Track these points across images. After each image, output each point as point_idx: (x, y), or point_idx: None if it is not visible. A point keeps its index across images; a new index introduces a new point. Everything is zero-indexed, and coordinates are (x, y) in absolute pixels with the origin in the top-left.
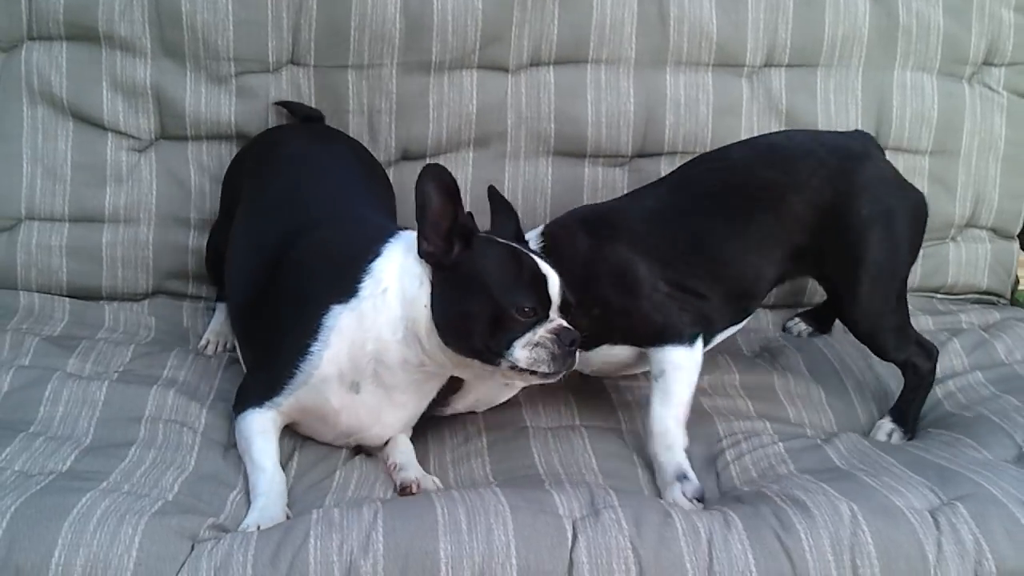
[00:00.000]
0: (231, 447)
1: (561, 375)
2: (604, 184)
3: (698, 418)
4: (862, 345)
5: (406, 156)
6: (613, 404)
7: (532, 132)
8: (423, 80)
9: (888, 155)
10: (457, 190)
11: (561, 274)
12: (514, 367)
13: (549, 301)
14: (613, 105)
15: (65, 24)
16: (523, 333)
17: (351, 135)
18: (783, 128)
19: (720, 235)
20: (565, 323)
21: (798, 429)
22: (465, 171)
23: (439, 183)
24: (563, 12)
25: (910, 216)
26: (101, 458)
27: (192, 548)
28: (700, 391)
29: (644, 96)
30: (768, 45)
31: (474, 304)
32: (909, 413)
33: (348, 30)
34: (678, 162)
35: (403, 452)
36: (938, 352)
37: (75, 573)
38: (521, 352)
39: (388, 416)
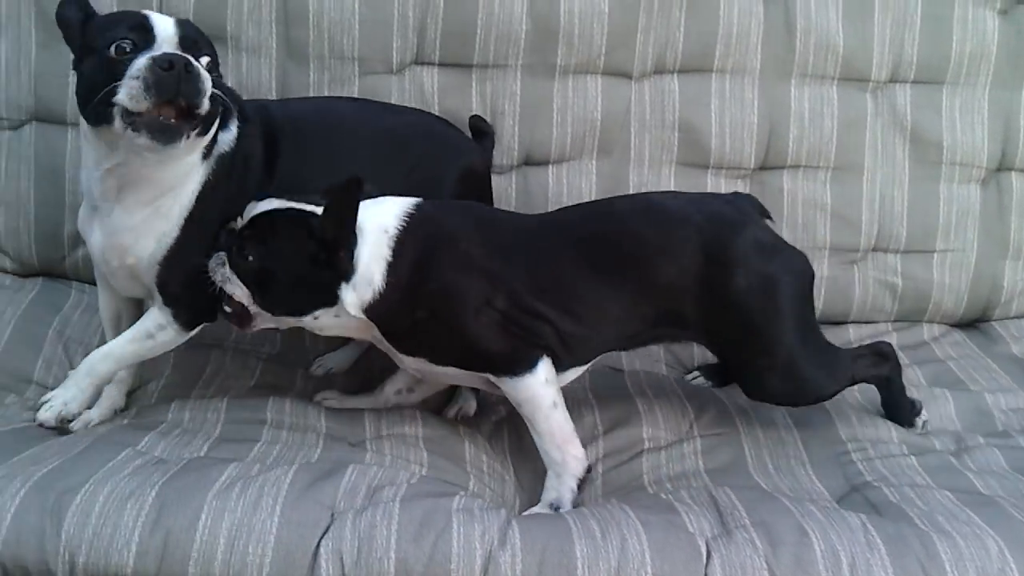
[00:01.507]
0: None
1: (169, 132)
2: None
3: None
4: None
5: (528, 161)
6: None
7: (656, 140)
8: (548, 84)
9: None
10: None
11: (401, 255)
12: (125, 121)
13: (152, 34)
14: (737, 116)
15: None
16: (122, 74)
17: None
18: (907, 144)
19: (583, 280)
20: (175, 50)
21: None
22: (589, 179)
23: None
24: (689, 20)
25: (793, 281)
26: (233, 445)
27: (332, 517)
28: None
29: (768, 108)
30: (894, 60)
31: (86, 67)
32: (900, 408)
33: (474, 30)
34: (801, 176)
35: None
36: (889, 345)
37: (220, 537)
38: (121, 93)
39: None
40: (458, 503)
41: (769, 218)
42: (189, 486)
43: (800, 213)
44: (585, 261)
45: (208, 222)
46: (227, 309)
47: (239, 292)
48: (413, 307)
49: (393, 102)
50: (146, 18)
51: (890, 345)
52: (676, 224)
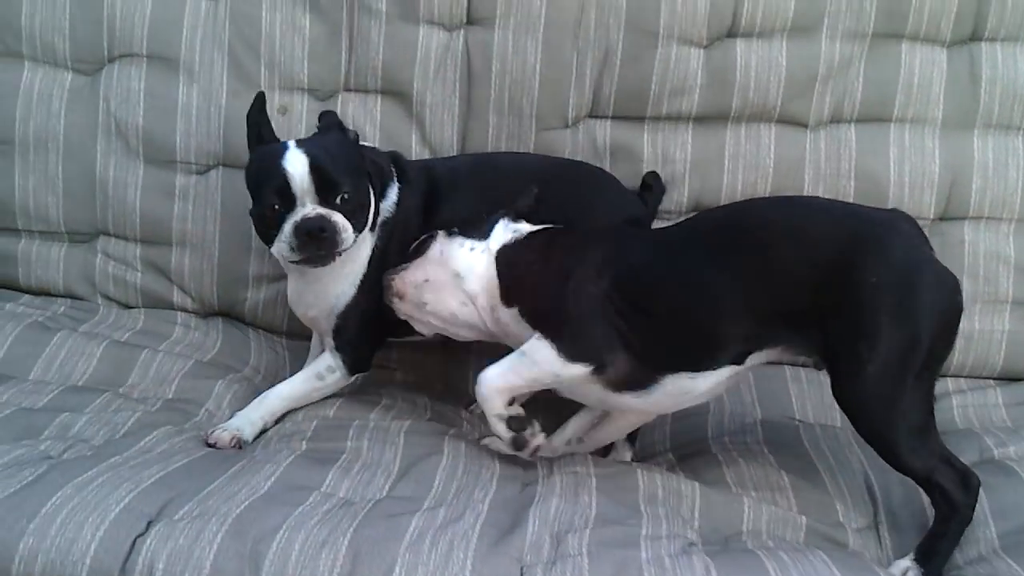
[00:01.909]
0: (528, 483)
1: (318, 262)
2: None
3: None
4: None
5: (698, 207)
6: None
7: (831, 188)
8: (720, 133)
9: None
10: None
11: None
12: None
13: (291, 195)
14: (917, 165)
15: (383, 79)
16: (278, 228)
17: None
18: None
19: (701, 269)
20: (312, 212)
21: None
22: None
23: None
24: (869, 70)
25: (937, 297)
26: (412, 484)
27: (522, 571)
28: None
29: (949, 157)
30: None
31: (254, 208)
32: (936, 554)
33: (650, 85)
34: (983, 228)
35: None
36: (979, 483)
37: None
38: (275, 247)
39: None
40: (647, 553)
41: (926, 245)
42: (381, 537)
43: (982, 265)
44: (708, 249)
45: (379, 281)
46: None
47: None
48: (532, 256)
49: (567, 154)
50: (286, 181)
51: (979, 481)
52: (813, 214)
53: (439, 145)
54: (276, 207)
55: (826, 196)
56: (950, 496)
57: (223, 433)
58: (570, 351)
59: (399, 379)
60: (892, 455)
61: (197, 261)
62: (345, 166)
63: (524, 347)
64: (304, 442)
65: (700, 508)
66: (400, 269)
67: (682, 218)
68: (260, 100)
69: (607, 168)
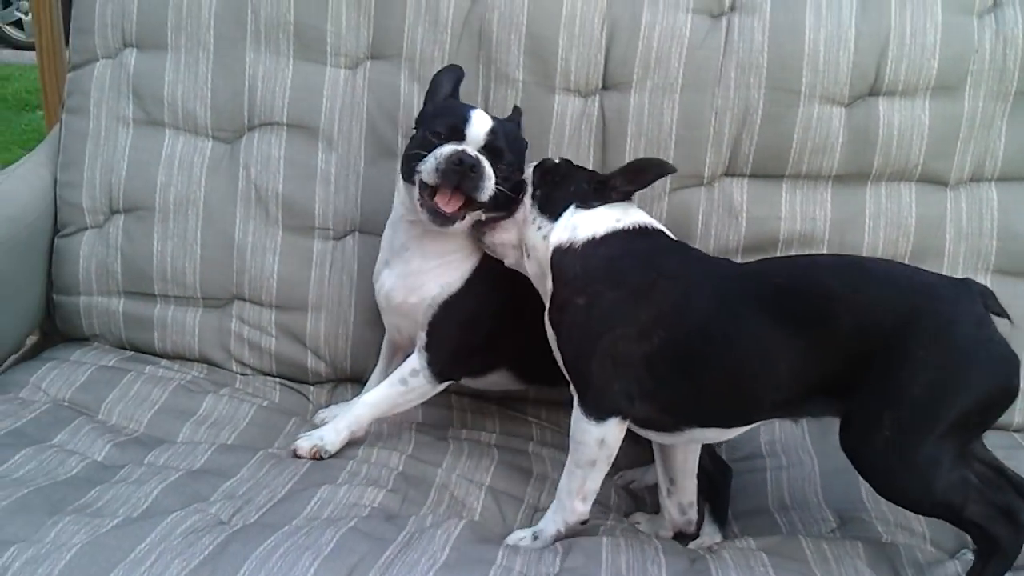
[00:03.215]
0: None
1: (447, 221)
2: None
3: None
4: None
5: None
6: None
7: (972, 248)
8: (860, 191)
9: None
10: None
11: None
12: (421, 192)
13: (462, 133)
14: None
15: None
16: (431, 151)
17: (782, 244)
18: None
19: (754, 332)
20: (474, 152)
21: None
22: None
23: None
24: (1010, 128)
25: (983, 380)
26: (581, 558)
27: None
28: None
29: None
30: None
31: (415, 134)
32: None
33: (790, 143)
34: None
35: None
36: None
37: None
38: (423, 164)
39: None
40: None
41: (1003, 315)
42: None
43: None
44: (765, 314)
45: (487, 282)
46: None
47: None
48: (577, 286)
49: (701, 212)
50: (466, 118)
51: None
52: (876, 283)
53: None
54: (442, 136)
55: (968, 256)
56: (987, 532)
57: (304, 442)
58: (598, 411)
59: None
60: (910, 504)
61: (332, 326)
62: (516, 147)
63: (571, 433)
64: (466, 519)
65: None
66: (490, 222)
67: None
68: (458, 72)
69: (743, 226)
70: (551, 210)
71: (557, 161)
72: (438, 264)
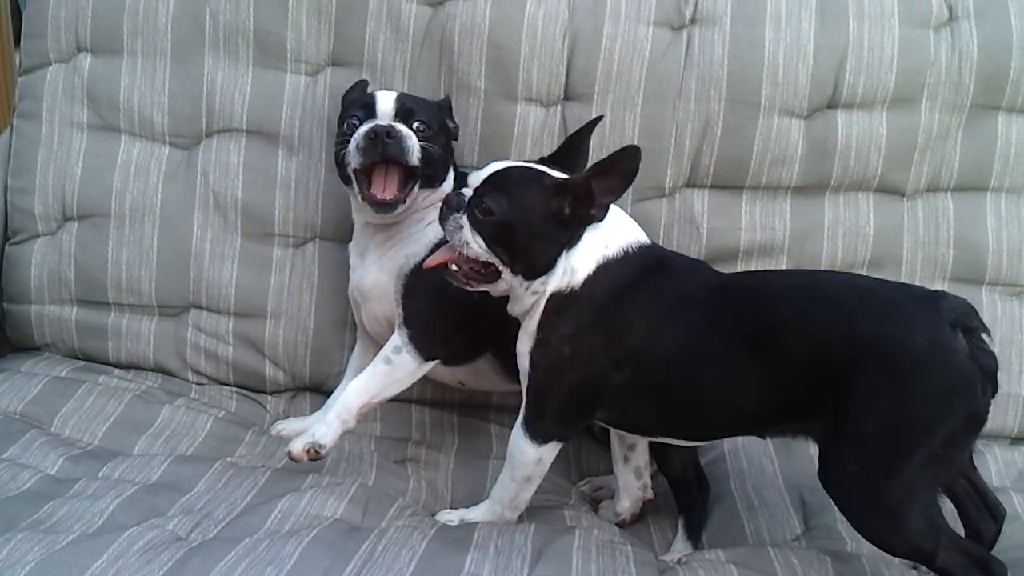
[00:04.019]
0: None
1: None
2: (1004, 313)
3: None
4: None
5: None
6: None
7: (929, 257)
8: (819, 202)
9: None
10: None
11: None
12: (359, 187)
13: (373, 109)
14: (1015, 234)
15: (479, 154)
16: (350, 139)
17: (742, 255)
18: None
19: (720, 359)
20: (385, 121)
21: None
22: None
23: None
24: (966, 140)
25: (949, 410)
26: (551, 565)
27: None
28: None
29: None
30: None
31: (336, 137)
32: None
33: (750, 155)
34: None
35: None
36: (1005, 571)
37: None
38: (349, 155)
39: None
40: None
41: (981, 329)
42: None
43: None
44: (725, 338)
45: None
46: (453, 268)
47: (476, 249)
48: (566, 335)
49: (662, 224)
50: (372, 98)
51: (1003, 567)
52: (823, 306)
53: None
54: (357, 121)
55: (925, 265)
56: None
57: (297, 443)
58: (543, 437)
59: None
60: (881, 544)
61: (291, 334)
62: (426, 108)
63: (510, 450)
64: (434, 526)
65: None
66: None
67: None
68: (364, 84)
69: (703, 237)
70: (539, 268)
71: (489, 212)
72: (398, 241)
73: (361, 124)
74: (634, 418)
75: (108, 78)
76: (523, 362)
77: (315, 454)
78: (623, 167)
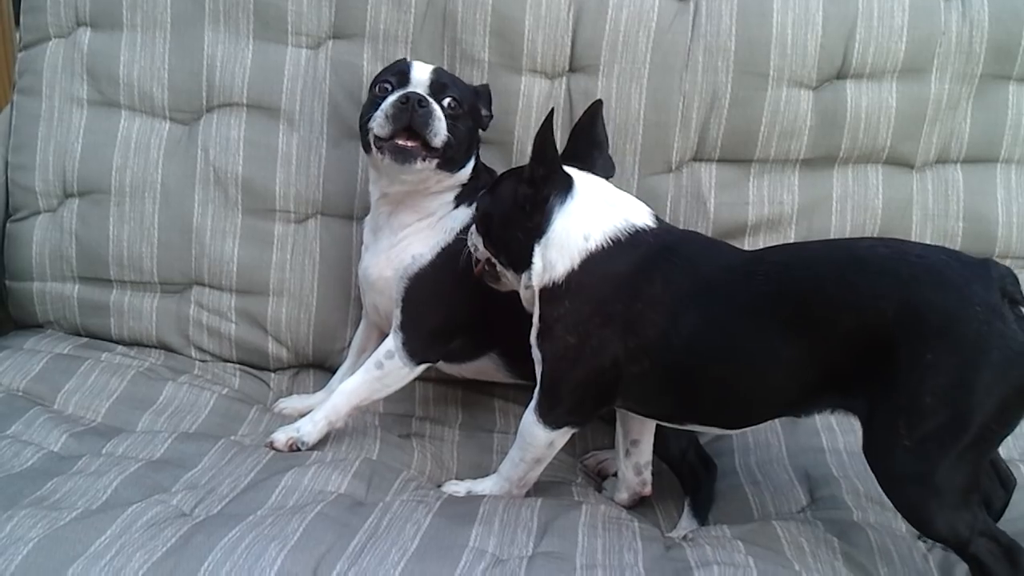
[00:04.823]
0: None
1: (407, 157)
2: None
3: None
4: None
5: None
6: None
7: (939, 229)
8: (828, 175)
9: None
10: None
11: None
12: (376, 146)
13: (407, 77)
14: None
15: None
16: (379, 105)
17: (750, 229)
18: None
19: (752, 338)
20: (418, 90)
21: None
22: None
23: None
24: (976, 111)
25: (1000, 382)
26: (556, 540)
27: None
28: None
29: None
30: None
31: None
32: None
33: (758, 127)
34: None
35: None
36: None
37: None
38: (373, 122)
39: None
40: None
41: (1023, 301)
42: None
43: None
44: (756, 319)
45: (458, 257)
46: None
47: (479, 246)
48: (568, 324)
49: (669, 199)
50: (407, 65)
51: None
52: (870, 275)
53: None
54: (389, 87)
55: (935, 238)
56: (988, 570)
57: (281, 435)
58: (557, 423)
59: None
60: (921, 524)
61: (294, 311)
62: (461, 88)
63: (522, 431)
64: (439, 498)
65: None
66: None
67: None
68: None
69: (711, 212)
70: (520, 261)
71: (480, 208)
72: (409, 234)
73: (393, 91)
74: (658, 407)
75: (108, 53)
76: (534, 353)
77: (296, 448)
78: (546, 152)
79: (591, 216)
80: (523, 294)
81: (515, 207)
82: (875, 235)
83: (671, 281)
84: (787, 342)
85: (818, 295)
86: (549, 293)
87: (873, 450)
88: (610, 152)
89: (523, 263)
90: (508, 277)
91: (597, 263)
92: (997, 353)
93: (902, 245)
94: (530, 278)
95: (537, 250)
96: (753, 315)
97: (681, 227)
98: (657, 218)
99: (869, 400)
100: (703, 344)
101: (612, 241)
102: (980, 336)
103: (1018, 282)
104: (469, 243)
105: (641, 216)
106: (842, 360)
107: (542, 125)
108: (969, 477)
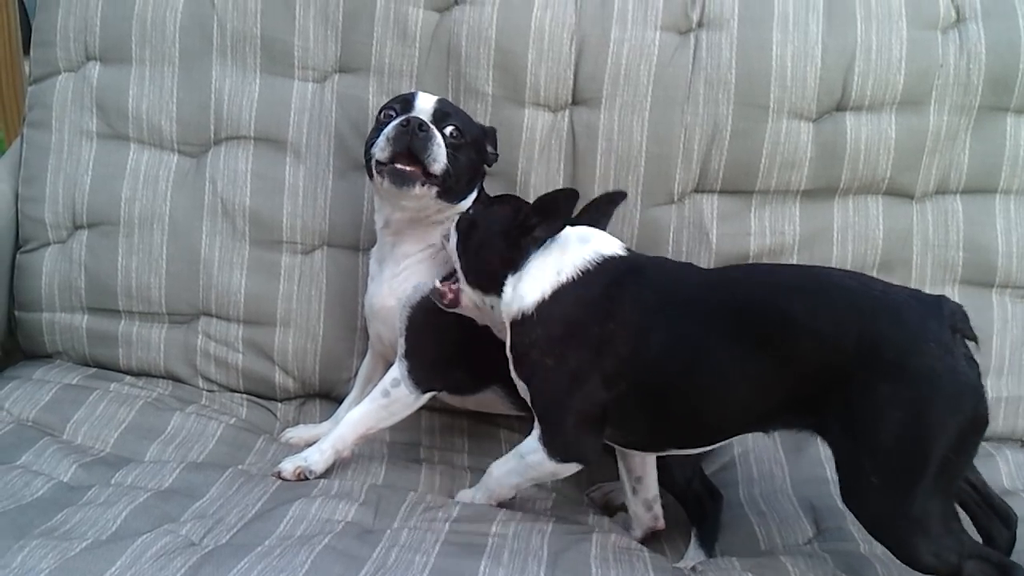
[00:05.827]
0: None
1: (405, 181)
2: (1014, 316)
3: None
4: None
5: None
6: None
7: (939, 259)
8: (828, 206)
9: None
10: None
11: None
12: (376, 170)
13: (411, 105)
14: None
15: None
16: (383, 131)
17: (752, 260)
18: None
19: (717, 357)
20: (420, 116)
21: None
22: None
23: None
24: (975, 142)
25: (949, 411)
26: (567, 573)
27: None
28: None
29: None
30: None
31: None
32: None
33: (759, 159)
34: None
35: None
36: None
37: None
38: (375, 147)
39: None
40: None
41: (971, 338)
42: None
43: None
44: (726, 341)
45: None
46: (438, 286)
47: (451, 243)
48: (543, 348)
49: (671, 230)
50: (412, 95)
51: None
52: (835, 304)
53: None
54: (393, 113)
55: (935, 268)
56: None
57: (288, 464)
58: (563, 455)
59: None
60: (910, 560)
61: (300, 342)
62: (465, 120)
63: (522, 448)
64: (447, 523)
65: None
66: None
67: None
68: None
69: (713, 242)
70: (488, 286)
71: (470, 213)
72: (411, 264)
73: (396, 116)
74: (637, 433)
75: (117, 86)
76: (519, 385)
77: (304, 477)
78: (560, 207)
79: (565, 255)
80: (488, 317)
81: (500, 235)
82: (876, 265)
83: (639, 299)
84: (754, 360)
85: (783, 319)
86: (519, 323)
87: (847, 495)
88: (612, 183)
89: (490, 287)
90: (466, 294)
91: (568, 291)
92: (949, 388)
93: (870, 281)
94: (495, 305)
95: (510, 280)
96: (721, 333)
97: (684, 258)
98: (628, 248)
99: (831, 427)
100: (671, 358)
101: (583, 272)
102: (933, 371)
103: (967, 319)
104: (440, 234)
105: (611, 247)
106: (806, 381)
107: (566, 192)
108: (944, 504)
